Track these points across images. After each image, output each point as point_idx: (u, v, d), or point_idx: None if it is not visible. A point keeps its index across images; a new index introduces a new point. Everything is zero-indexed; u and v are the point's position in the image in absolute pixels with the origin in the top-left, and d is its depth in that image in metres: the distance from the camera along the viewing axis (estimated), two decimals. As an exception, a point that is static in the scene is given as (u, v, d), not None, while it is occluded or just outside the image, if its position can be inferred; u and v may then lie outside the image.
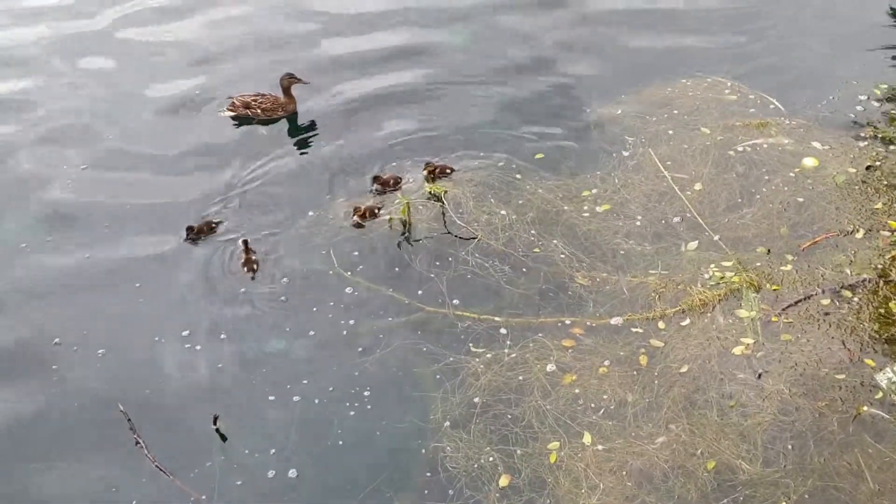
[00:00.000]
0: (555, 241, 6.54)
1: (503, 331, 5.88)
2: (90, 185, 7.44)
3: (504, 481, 4.99)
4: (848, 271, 6.11)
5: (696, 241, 6.46)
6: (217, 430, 5.35)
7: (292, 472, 5.12)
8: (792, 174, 7.05)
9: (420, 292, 6.21)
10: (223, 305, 6.20)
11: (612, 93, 8.25)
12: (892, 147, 7.27)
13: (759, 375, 5.45)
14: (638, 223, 6.68)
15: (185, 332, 5.98)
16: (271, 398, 5.56)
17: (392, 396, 5.53)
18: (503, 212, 6.84)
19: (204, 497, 5.02)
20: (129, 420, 5.39)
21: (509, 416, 5.33)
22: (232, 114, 8.18)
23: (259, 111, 8.11)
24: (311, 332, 5.97)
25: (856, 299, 5.91)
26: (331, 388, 5.59)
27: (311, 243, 6.71)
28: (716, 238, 6.49)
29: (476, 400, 5.42)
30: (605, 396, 5.41)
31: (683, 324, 5.85)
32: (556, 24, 9.45)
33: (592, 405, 5.37)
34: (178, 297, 6.27)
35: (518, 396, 5.43)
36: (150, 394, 5.61)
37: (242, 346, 5.90)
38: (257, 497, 5.02)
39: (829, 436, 5.11)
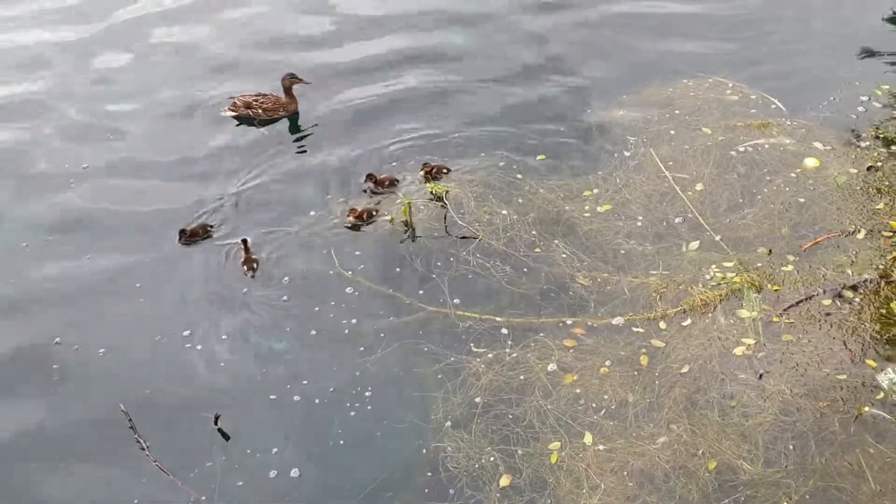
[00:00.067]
0: (556, 241, 6.54)
1: (504, 331, 5.87)
2: (90, 186, 7.44)
3: (505, 481, 4.98)
4: (849, 272, 6.11)
5: (698, 242, 6.46)
6: (219, 430, 5.35)
7: (294, 472, 5.11)
8: (793, 175, 7.04)
9: (421, 292, 6.20)
10: (224, 305, 6.20)
11: (613, 93, 8.25)
12: (893, 148, 7.26)
13: (761, 376, 5.44)
14: (639, 223, 6.67)
15: (186, 332, 5.97)
16: (272, 398, 5.56)
17: (393, 396, 5.53)
18: (504, 212, 6.83)
19: (204, 497, 5.01)
20: (130, 420, 5.39)
21: (510, 416, 5.32)
22: (233, 114, 8.18)
23: (260, 111, 8.10)
24: (312, 332, 5.96)
25: (857, 300, 5.90)
26: (332, 388, 5.58)
27: (312, 243, 6.71)
28: (717, 238, 6.48)
29: (477, 400, 5.42)
30: (606, 396, 5.40)
31: (685, 324, 5.85)
32: (557, 25, 9.45)
33: (593, 405, 5.36)
34: (179, 298, 6.27)
35: (519, 396, 5.43)
36: (150, 394, 5.61)
37: (243, 346, 5.90)
38: (258, 497, 5.02)
39: (830, 436, 5.11)
